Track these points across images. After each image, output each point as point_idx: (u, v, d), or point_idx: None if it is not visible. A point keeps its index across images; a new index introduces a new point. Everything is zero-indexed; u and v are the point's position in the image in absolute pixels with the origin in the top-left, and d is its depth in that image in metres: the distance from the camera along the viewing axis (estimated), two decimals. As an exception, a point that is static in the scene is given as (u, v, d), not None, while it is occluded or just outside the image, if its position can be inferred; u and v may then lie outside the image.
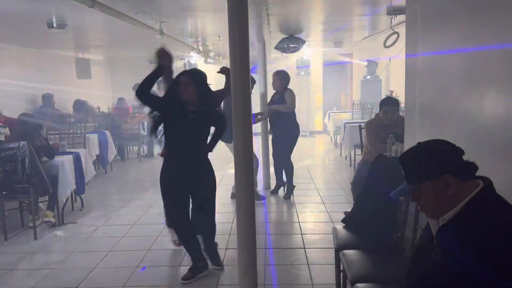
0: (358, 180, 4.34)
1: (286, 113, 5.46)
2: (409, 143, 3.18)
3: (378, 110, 4.77)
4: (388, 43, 5.54)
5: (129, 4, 4.05)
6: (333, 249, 2.92)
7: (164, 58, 3.15)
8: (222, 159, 5.43)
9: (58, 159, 4.88)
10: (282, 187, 5.84)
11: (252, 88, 5.44)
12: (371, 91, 11.34)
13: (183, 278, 3.40)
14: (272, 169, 6.23)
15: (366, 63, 11.43)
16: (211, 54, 10.06)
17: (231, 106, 2.67)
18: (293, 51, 6.92)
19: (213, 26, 6.08)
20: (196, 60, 11.02)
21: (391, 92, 9.63)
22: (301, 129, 5.84)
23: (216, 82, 3.71)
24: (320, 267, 3.63)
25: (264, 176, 6.27)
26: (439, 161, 1.53)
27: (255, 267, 2.85)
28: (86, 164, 5.55)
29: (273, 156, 5.76)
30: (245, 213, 2.76)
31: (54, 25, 4.86)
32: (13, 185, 4.46)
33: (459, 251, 1.41)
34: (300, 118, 6.04)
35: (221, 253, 3.86)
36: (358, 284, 2.32)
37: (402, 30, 4.62)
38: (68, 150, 5.58)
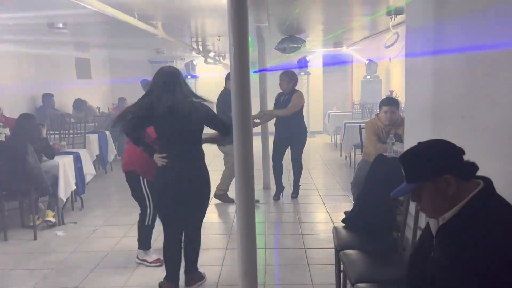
0: (358, 180, 4.34)
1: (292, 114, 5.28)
2: (409, 143, 3.18)
3: (378, 110, 4.77)
4: (388, 43, 5.55)
5: (129, 4, 4.05)
6: (333, 249, 2.92)
7: None
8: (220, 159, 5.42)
9: (58, 159, 4.88)
10: (282, 191, 5.70)
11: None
12: (371, 91, 11.35)
13: None
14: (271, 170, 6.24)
15: (367, 62, 11.43)
16: (211, 54, 10.06)
17: (228, 107, 2.65)
18: (293, 51, 6.91)
19: (213, 26, 6.08)
20: (196, 62, 11.04)
21: (391, 92, 9.63)
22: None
23: (216, 83, 3.71)
24: (320, 267, 3.63)
25: (264, 176, 6.27)
26: (440, 161, 1.53)
27: (255, 267, 2.85)
28: (86, 164, 5.55)
29: (272, 158, 5.63)
30: (245, 213, 2.76)
31: (54, 25, 4.87)
32: (13, 185, 4.46)
33: (459, 251, 1.41)
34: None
35: (221, 253, 3.86)
36: (358, 284, 2.32)
37: (402, 30, 4.63)
38: (68, 150, 5.59)
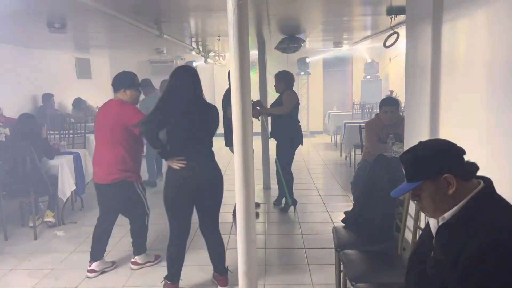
0: (358, 180, 4.34)
1: (282, 116, 5.01)
2: (409, 143, 3.18)
3: (378, 110, 4.77)
4: (388, 43, 5.54)
5: (128, 4, 4.05)
6: (333, 249, 2.92)
7: None
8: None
9: (58, 159, 4.88)
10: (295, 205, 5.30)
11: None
12: (371, 91, 11.35)
13: None
14: (272, 170, 6.24)
15: (367, 61, 11.43)
16: (211, 54, 10.06)
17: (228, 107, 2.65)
18: (294, 51, 6.91)
19: (213, 26, 6.07)
20: (195, 63, 11.03)
21: (391, 92, 9.63)
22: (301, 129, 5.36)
23: (220, 83, 3.71)
24: (320, 267, 3.63)
25: (264, 176, 6.27)
26: (440, 161, 1.53)
27: (255, 267, 2.85)
28: (86, 164, 5.55)
29: (281, 166, 5.20)
30: (245, 213, 2.76)
31: (54, 25, 4.86)
32: (13, 185, 4.46)
33: (459, 251, 1.41)
34: (300, 118, 5.44)
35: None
36: (358, 284, 2.32)
37: (402, 30, 4.62)
38: (68, 150, 5.59)
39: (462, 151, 1.55)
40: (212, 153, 3.17)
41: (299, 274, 3.54)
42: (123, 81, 3.46)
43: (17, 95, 7.09)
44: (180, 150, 3.04)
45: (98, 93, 10.32)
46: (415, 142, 1.65)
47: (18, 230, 4.75)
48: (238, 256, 2.81)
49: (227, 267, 3.36)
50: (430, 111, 2.85)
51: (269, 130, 5.57)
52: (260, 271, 3.38)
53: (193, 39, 7.39)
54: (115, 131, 3.39)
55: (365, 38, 7.99)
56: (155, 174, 6.57)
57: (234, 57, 2.49)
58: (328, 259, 3.55)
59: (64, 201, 4.92)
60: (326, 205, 5.38)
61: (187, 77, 3.07)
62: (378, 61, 11.46)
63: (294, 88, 5.28)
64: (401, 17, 4.96)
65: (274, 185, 6.07)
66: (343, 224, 3.25)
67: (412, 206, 2.62)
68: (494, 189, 1.53)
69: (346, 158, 8.21)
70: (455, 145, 1.57)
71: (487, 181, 1.53)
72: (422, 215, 2.47)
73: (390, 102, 4.52)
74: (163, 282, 3.25)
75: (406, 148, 3.05)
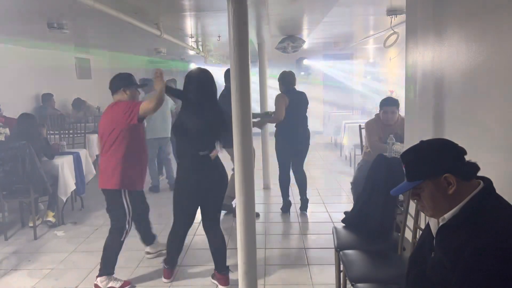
0: (358, 180, 4.34)
1: (286, 116, 4.85)
2: (409, 143, 3.17)
3: (378, 110, 4.77)
4: (388, 43, 5.54)
5: (128, 4, 4.05)
6: (333, 249, 2.92)
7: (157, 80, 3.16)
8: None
9: (58, 159, 4.89)
10: (289, 206, 5.22)
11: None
12: (371, 91, 11.33)
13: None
14: (271, 170, 6.23)
15: (367, 61, 11.43)
16: (211, 54, 10.06)
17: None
18: (294, 51, 6.91)
19: (213, 26, 6.07)
20: (197, 62, 11.04)
21: (391, 92, 9.63)
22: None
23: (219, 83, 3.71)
24: (320, 267, 3.63)
25: (264, 176, 6.27)
26: (441, 160, 1.53)
27: (255, 267, 2.85)
28: (86, 164, 5.55)
29: (279, 169, 5.15)
30: (245, 214, 2.76)
31: (54, 25, 4.86)
32: (13, 185, 4.46)
33: (459, 252, 1.41)
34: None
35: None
36: (358, 284, 2.32)
37: (402, 30, 4.62)
38: (68, 150, 5.59)
39: (463, 151, 1.55)
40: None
41: (299, 274, 3.54)
42: (121, 81, 3.44)
43: (17, 95, 7.09)
44: (191, 149, 3.20)
45: (98, 93, 10.32)
46: (415, 142, 1.65)
47: (18, 230, 4.75)
48: (238, 256, 2.82)
49: (228, 266, 3.37)
50: (430, 111, 2.85)
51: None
52: (260, 271, 3.38)
53: (193, 39, 7.39)
54: (112, 134, 3.30)
55: (365, 38, 7.99)
56: (158, 178, 6.42)
57: (234, 57, 2.50)
58: (328, 259, 3.55)
59: (64, 201, 4.92)
60: (326, 205, 5.38)
61: (204, 81, 3.22)
62: (378, 61, 11.45)
63: (295, 88, 5.14)
64: (401, 17, 4.96)
65: (274, 185, 6.08)
66: (343, 224, 3.25)
67: (412, 206, 2.62)
68: (494, 189, 1.53)
69: (346, 158, 8.21)
70: (456, 145, 1.57)
71: (487, 181, 1.53)
72: (422, 215, 2.47)
73: (390, 102, 4.52)
74: (162, 265, 3.48)
75: (406, 148, 3.05)
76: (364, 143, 4.97)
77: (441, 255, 1.53)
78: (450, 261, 1.45)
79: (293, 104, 4.89)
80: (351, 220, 3.24)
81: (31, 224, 4.61)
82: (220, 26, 5.77)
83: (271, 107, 5.70)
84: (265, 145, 6.36)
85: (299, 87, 5.23)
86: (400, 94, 7.69)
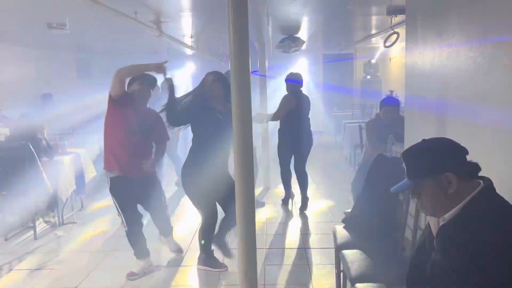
0: (358, 180, 4.34)
1: (288, 116, 4.97)
2: (409, 143, 3.17)
3: (378, 110, 4.76)
4: (388, 43, 5.54)
5: (129, 4, 4.05)
6: (333, 249, 2.92)
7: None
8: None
9: (58, 159, 4.88)
10: (292, 198, 5.46)
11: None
12: (371, 91, 11.33)
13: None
14: (271, 170, 6.24)
15: (367, 61, 11.42)
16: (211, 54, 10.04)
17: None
18: (294, 51, 6.90)
19: (213, 26, 6.07)
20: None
21: (391, 92, 9.62)
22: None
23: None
24: (320, 267, 3.63)
25: (264, 176, 6.26)
26: (442, 159, 1.53)
27: (255, 267, 2.85)
28: (86, 164, 5.55)
29: (280, 165, 5.29)
30: (245, 213, 2.76)
31: (54, 25, 4.86)
32: (12, 185, 4.46)
33: (459, 252, 1.41)
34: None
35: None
36: (358, 284, 2.32)
37: (402, 30, 4.62)
38: (68, 150, 5.58)
39: (464, 151, 1.54)
40: None
41: (299, 274, 3.54)
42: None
43: (17, 95, 7.08)
44: (205, 148, 3.36)
45: (97, 93, 10.29)
46: (415, 142, 1.65)
47: (18, 230, 4.74)
48: (238, 256, 2.81)
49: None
50: (430, 111, 2.85)
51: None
52: (260, 271, 3.38)
53: (193, 39, 7.39)
54: None
55: (365, 38, 7.99)
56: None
57: (234, 57, 2.49)
58: (328, 259, 3.55)
59: (64, 201, 4.91)
60: (326, 205, 5.37)
61: (221, 85, 3.36)
62: (378, 61, 11.44)
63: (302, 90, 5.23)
64: (401, 17, 4.96)
65: (274, 185, 6.08)
66: (343, 224, 3.25)
67: (412, 206, 2.62)
68: (494, 189, 1.53)
69: (346, 158, 8.20)
70: (458, 144, 1.56)
71: (487, 181, 1.53)
72: (423, 215, 2.47)
73: (390, 102, 4.52)
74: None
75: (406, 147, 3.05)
76: (364, 143, 4.97)
77: (442, 255, 1.52)
78: (450, 261, 1.45)
79: (300, 105, 5.03)
80: (351, 220, 3.24)
81: (31, 224, 4.60)
82: (220, 26, 5.77)
83: (271, 107, 5.72)
84: (265, 145, 6.35)
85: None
86: (400, 94, 7.70)
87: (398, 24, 5.21)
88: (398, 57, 10.28)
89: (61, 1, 3.93)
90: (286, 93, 5.15)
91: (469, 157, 1.55)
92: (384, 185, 2.94)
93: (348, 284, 2.53)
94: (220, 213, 3.60)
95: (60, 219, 4.90)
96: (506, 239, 1.35)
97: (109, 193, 3.51)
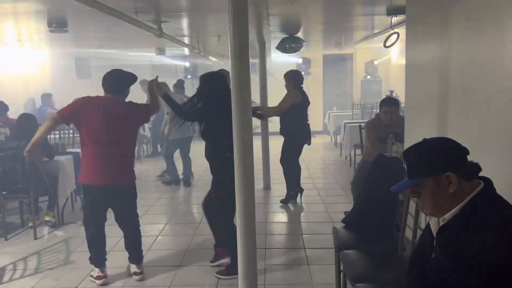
0: (358, 180, 4.34)
1: (289, 113, 5.12)
2: (409, 143, 3.17)
3: (378, 110, 4.77)
4: (388, 43, 5.54)
5: (129, 4, 4.05)
6: (333, 249, 2.92)
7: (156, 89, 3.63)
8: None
9: (58, 159, 4.88)
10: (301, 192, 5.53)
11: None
12: (371, 91, 11.34)
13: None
14: (271, 170, 6.23)
15: (367, 61, 11.43)
16: (211, 54, 10.06)
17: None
18: (294, 51, 6.91)
19: (213, 26, 6.08)
20: (197, 62, 11.03)
21: (391, 92, 9.62)
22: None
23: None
24: (320, 267, 3.63)
25: (264, 176, 6.26)
26: (443, 158, 1.53)
27: (255, 267, 2.85)
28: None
29: (280, 161, 5.42)
30: (245, 213, 2.76)
31: (54, 25, 4.86)
32: (13, 185, 4.46)
33: (459, 252, 1.41)
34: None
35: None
36: (358, 284, 2.32)
37: (402, 30, 4.63)
38: (68, 150, 5.58)
39: (465, 151, 1.55)
40: None
41: (299, 274, 3.54)
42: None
43: (17, 95, 7.09)
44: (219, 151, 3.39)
45: (98, 93, 10.31)
46: (415, 142, 1.65)
47: (18, 230, 4.74)
48: (238, 256, 2.81)
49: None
50: (430, 111, 2.85)
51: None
52: (260, 270, 3.38)
53: (193, 39, 7.40)
54: None
55: (365, 38, 7.99)
56: (176, 172, 6.61)
57: (234, 57, 2.49)
58: (328, 259, 3.55)
59: (64, 201, 4.91)
60: (326, 205, 5.37)
61: (222, 87, 3.36)
62: (378, 61, 11.45)
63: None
64: (401, 17, 4.96)
65: (274, 185, 6.08)
66: (343, 224, 3.25)
67: (412, 206, 2.62)
68: (494, 189, 1.53)
69: (346, 158, 8.20)
70: (459, 144, 1.56)
71: (487, 181, 1.53)
72: (423, 214, 2.47)
73: (390, 102, 4.52)
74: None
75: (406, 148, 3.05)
76: (364, 143, 4.97)
77: (442, 255, 1.53)
78: (450, 261, 1.45)
79: (303, 102, 5.22)
80: (351, 220, 3.24)
81: (31, 224, 4.60)
82: (220, 26, 5.77)
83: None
84: (265, 145, 6.35)
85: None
86: (400, 94, 7.70)
87: (398, 24, 5.21)
88: (398, 57, 10.29)
89: (61, 1, 3.93)
90: (286, 92, 5.29)
91: (469, 157, 1.55)
92: (384, 185, 2.95)
93: (348, 284, 2.53)
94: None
95: (60, 219, 4.90)
96: (506, 239, 1.35)
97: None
